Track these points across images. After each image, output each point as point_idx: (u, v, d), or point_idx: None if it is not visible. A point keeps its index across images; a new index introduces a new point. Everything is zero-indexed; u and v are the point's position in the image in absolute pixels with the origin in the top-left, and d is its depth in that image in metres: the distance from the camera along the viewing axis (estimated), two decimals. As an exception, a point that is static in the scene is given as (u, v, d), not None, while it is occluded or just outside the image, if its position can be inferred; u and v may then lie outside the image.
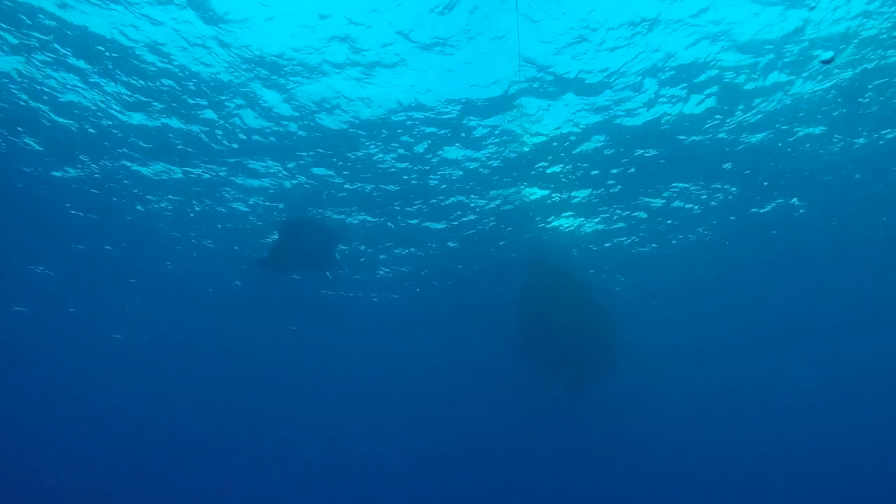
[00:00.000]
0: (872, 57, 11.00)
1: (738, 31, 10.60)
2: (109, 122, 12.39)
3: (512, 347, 17.35)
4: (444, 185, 14.43)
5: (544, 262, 15.44)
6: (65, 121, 12.27)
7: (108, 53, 10.86)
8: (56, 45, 10.66)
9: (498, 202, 14.96)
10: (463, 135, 12.94)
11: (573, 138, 13.09)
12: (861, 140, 13.12)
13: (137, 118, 12.32)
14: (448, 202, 14.96)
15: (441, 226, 15.72)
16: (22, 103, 11.81)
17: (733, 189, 14.50)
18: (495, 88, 11.86)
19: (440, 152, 13.48)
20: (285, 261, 15.20)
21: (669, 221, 15.57)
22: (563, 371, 16.27)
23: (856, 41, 10.72)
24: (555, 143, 13.18)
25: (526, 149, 13.25)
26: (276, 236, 14.91)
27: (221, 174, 13.85)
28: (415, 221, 15.53)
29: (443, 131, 12.90)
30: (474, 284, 17.77)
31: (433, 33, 10.66)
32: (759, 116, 12.43)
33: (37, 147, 12.97)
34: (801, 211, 15.29)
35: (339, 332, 20.48)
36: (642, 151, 13.41)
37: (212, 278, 17.64)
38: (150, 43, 10.71)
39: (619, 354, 16.79)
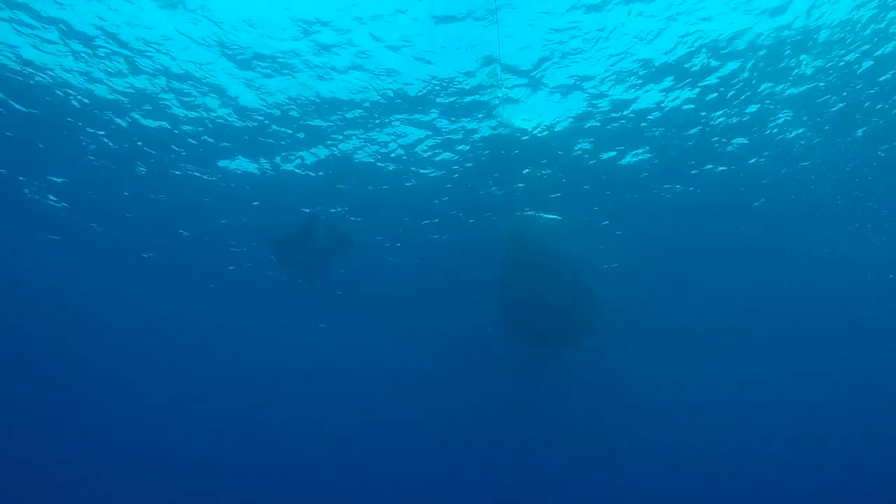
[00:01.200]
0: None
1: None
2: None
3: (494, 318, 17.93)
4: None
5: (524, 238, 15.93)
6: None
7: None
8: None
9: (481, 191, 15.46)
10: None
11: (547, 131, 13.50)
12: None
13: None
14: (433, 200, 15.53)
15: (427, 222, 16.40)
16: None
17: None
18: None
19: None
20: (292, 253, 14.55)
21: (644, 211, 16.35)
22: (542, 339, 16.94)
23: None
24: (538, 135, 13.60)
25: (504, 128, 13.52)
26: (298, 228, 14.28)
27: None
28: (398, 214, 16.13)
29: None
30: (457, 261, 18.40)
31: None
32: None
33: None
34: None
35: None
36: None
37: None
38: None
39: (596, 324, 17.43)
